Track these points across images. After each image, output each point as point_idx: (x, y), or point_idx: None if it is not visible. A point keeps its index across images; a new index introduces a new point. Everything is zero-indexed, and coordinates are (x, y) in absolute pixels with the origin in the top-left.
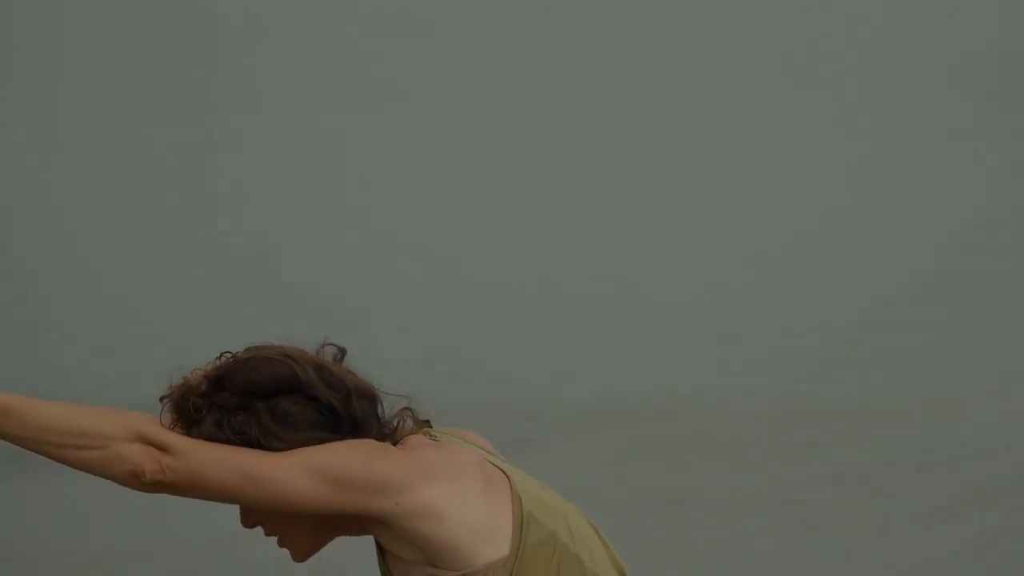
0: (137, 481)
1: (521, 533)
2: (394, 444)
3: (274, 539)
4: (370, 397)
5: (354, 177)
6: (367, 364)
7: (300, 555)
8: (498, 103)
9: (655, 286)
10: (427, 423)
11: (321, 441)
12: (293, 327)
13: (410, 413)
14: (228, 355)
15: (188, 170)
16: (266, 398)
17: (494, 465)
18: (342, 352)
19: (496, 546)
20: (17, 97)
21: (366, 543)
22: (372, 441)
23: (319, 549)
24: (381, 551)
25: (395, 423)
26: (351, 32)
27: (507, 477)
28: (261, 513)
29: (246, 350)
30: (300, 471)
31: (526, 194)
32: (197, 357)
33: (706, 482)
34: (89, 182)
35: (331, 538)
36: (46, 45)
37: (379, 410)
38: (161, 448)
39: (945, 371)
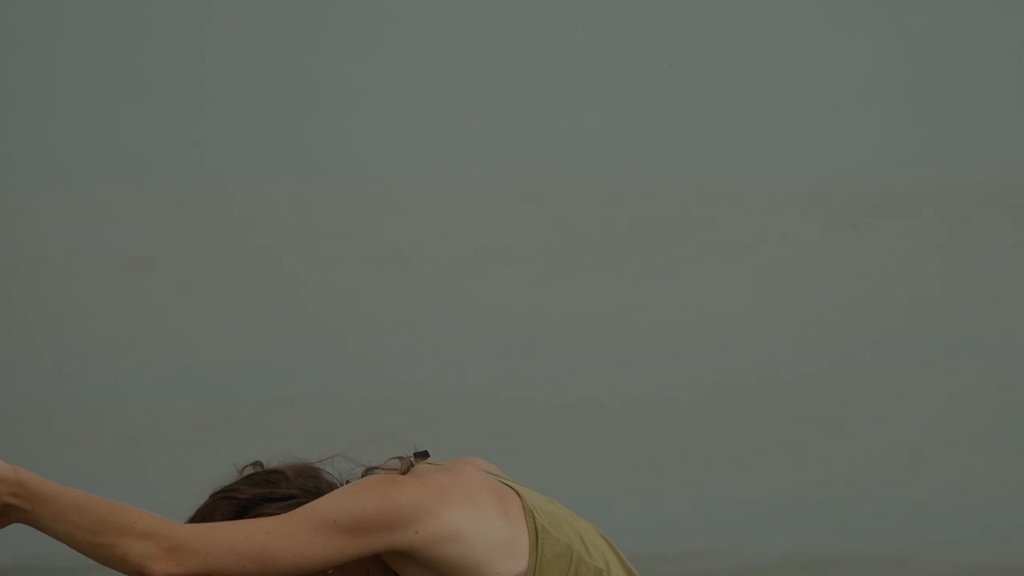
0: None
1: (537, 548)
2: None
3: None
4: (308, 472)
5: (355, 175)
6: (368, 365)
7: None
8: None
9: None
10: (424, 454)
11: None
12: (292, 328)
13: (379, 468)
14: None
15: (189, 169)
16: None
17: (503, 484)
18: (257, 463)
19: (515, 561)
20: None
21: None
22: (378, 477)
23: None
24: None
25: (365, 476)
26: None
27: (517, 494)
28: None
29: (186, 520)
30: (312, 531)
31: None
32: (195, 362)
33: None
34: (89, 182)
35: None
36: (43, 48)
37: (327, 476)
38: (170, 544)
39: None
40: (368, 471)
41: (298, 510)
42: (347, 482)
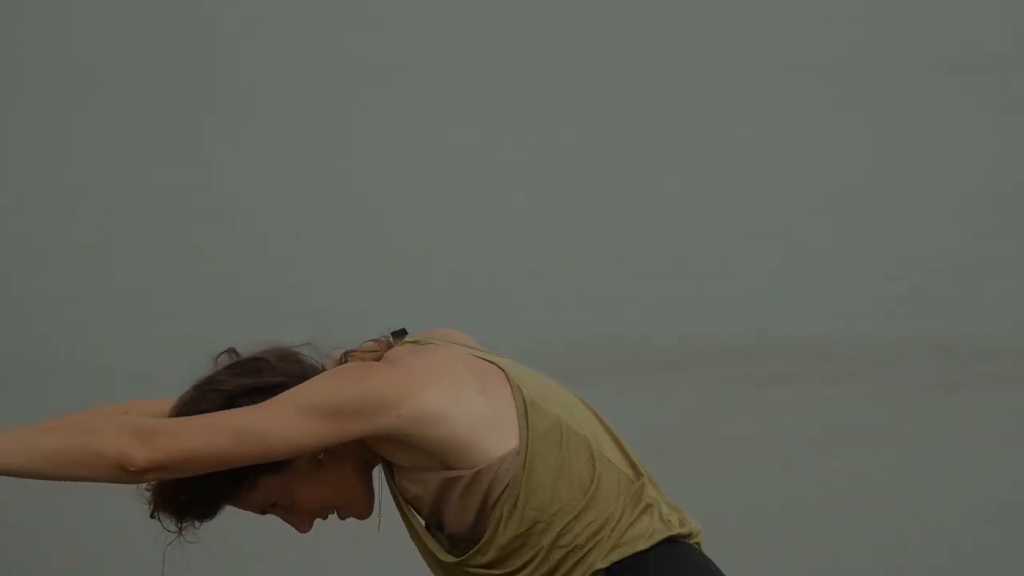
0: (125, 473)
1: (527, 422)
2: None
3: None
4: (289, 356)
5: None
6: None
7: (363, 509)
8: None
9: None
10: (402, 332)
11: None
12: (292, 326)
13: (357, 350)
14: None
15: (189, 163)
16: None
17: (483, 359)
18: (231, 351)
19: (504, 438)
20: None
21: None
22: (355, 364)
23: (372, 494)
24: (390, 472)
25: (343, 360)
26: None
27: (500, 369)
28: (300, 500)
29: (170, 414)
30: (292, 413)
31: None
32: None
33: None
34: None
35: (368, 476)
36: (46, 54)
37: (308, 360)
38: (142, 432)
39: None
40: (345, 355)
41: (278, 396)
42: (324, 369)
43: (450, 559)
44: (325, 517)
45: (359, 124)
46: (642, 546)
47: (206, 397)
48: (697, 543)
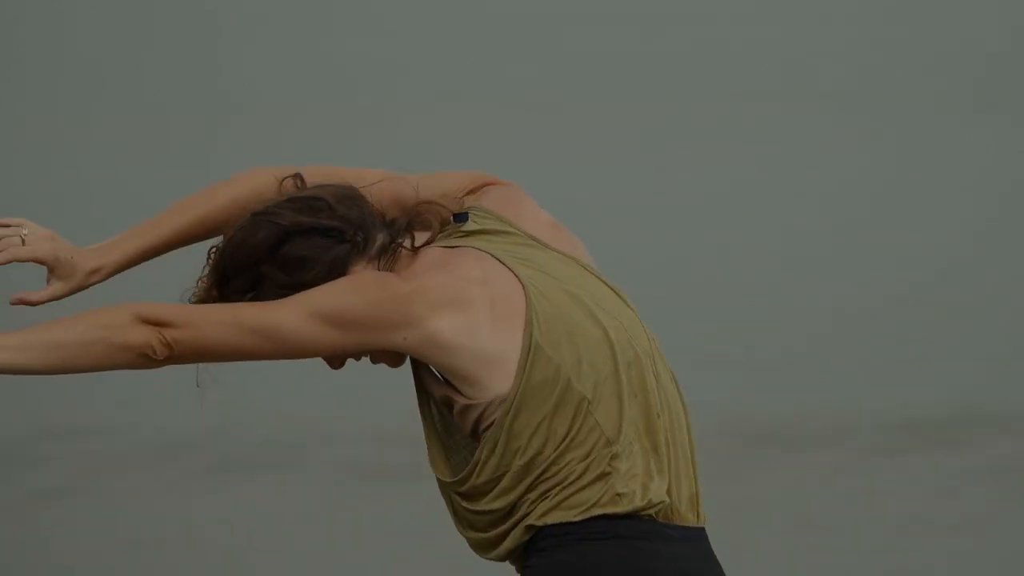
0: (148, 360)
1: (526, 367)
2: (413, 248)
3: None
4: (352, 198)
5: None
6: None
7: (395, 360)
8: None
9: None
10: (464, 217)
11: (339, 263)
12: None
13: (429, 207)
14: (213, 249)
15: (189, 163)
16: (268, 259)
17: (512, 273)
18: (297, 177)
19: (500, 380)
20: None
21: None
22: (373, 275)
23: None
24: (414, 361)
25: (407, 221)
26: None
27: (524, 291)
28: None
29: (223, 238)
30: (305, 318)
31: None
32: None
33: None
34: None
35: None
36: (46, 37)
37: (368, 206)
38: (160, 323)
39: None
40: (417, 205)
41: (297, 295)
42: (384, 215)
43: (445, 477)
44: (358, 359)
45: (359, 124)
46: (572, 517)
47: (261, 227)
48: (650, 515)
